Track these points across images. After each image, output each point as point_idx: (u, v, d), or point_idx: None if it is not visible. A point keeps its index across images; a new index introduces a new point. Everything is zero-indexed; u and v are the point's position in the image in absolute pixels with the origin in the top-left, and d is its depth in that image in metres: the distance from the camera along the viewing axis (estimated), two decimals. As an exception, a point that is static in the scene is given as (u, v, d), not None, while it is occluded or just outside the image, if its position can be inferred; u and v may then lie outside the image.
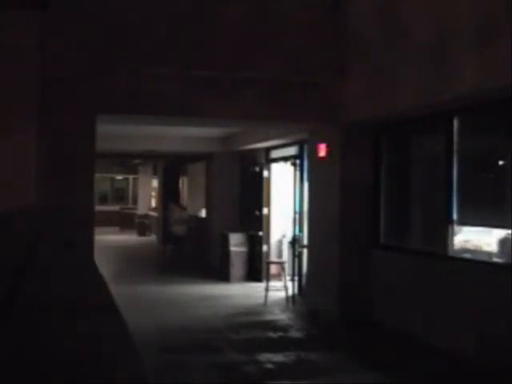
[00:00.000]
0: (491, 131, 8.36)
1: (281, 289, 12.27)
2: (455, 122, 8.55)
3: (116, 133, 14.77)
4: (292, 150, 13.39)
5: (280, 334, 9.53)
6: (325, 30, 9.97)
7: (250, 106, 9.72)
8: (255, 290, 13.18)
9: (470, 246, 8.69)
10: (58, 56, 8.96)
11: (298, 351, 8.42)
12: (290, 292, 12.16)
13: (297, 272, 12.54)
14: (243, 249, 14.72)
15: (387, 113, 9.16)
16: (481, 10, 7.08)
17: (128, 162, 30.33)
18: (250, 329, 9.88)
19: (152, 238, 26.56)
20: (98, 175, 16.24)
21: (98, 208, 19.18)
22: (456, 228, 8.60)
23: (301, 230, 12.44)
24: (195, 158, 20.04)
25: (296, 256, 12.55)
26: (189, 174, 22.71)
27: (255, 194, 14.90)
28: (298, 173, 12.87)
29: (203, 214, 19.32)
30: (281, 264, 13.12)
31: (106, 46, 9.19)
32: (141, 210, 30.31)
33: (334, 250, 10.25)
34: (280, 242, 14.35)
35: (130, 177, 35.77)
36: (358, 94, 9.64)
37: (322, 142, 10.59)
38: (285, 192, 13.79)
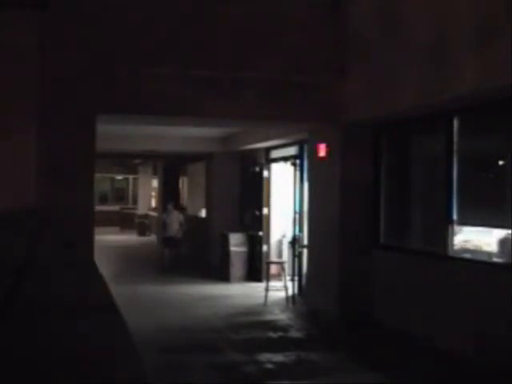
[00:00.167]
0: (491, 131, 8.35)
1: (281, 289, 12.27)
2: (455, 122, 8.55)
3: (116, 133, 14.77)
4: (292, 150, 13.39)
5: (280, 333, 9.53)
6: (325, 29, 9.97)
7: (250, 106, 9.73)
8: (255, 289, 13.18)
9: (470, 245, 8.69)
10: (58, 56, 8.96)
11: (298, 351, 8.42)
12: (290, 292, 12.16)
13: (297, 272, 12.53)
14: (243, 249, 14.72)
15: (387, 113, 9.17)
16: (481, 10, 7.08)
17: (128, 161, 30.35)
18: (250, 329, 9.88)
19: (152, 238, 26.55)
20: (98, 175, 16.24)
21: (98, 208, 19.17)
22: (456, 228, 8.60)
23: (301, 230, 12.44)
24: (195, 158, 20.03)
25: (296, 256, 12.54)
26: (189, 174, 22.71)
27: (255, 194, 14.90)
28: (297, 173, 12.87)
29: (203, 214, 19.32)
30: (281, 264, 13.12)
31: (106, 46, 9.19)
32: (141, 210, 30.32)
33: (334, 250, 10.25)
34: (280, 242, 14.35)
35: (130, 177, 35.78)
36: (358, 94, 9.64)
37: (321, 142, 10.59)
38: (285, 192, 13.79)
